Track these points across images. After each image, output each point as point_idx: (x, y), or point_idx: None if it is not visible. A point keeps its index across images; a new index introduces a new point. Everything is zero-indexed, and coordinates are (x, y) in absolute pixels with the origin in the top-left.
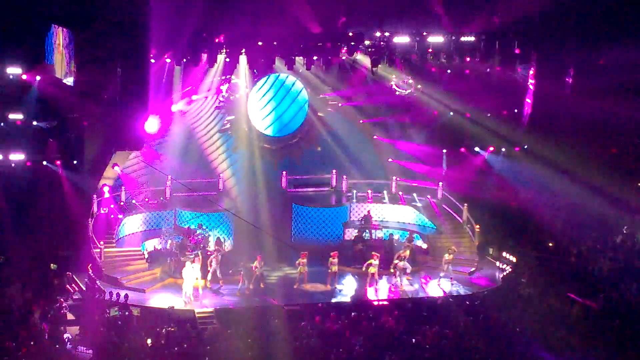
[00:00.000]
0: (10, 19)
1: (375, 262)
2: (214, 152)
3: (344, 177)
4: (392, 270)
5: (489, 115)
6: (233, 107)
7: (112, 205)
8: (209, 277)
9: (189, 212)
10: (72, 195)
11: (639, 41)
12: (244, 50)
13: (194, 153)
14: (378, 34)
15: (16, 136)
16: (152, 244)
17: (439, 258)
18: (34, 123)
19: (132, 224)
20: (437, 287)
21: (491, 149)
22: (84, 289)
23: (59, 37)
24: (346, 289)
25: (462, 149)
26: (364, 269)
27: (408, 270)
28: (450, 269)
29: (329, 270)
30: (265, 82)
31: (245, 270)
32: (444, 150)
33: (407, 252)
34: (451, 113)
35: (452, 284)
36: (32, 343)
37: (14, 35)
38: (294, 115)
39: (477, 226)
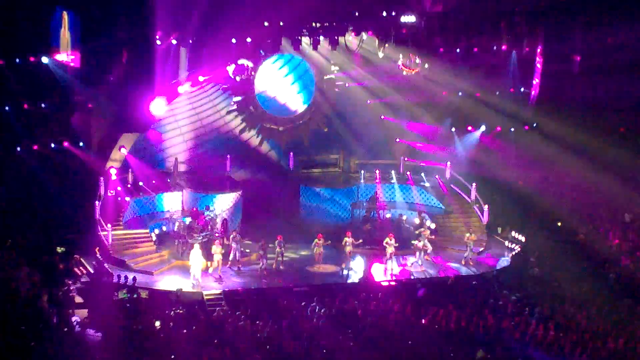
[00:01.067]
0: (16, 2)
1: (391, 241)
2: (227, 132)
3: (352, 157)
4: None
5: (497, 93)
6: (240, 88)
7: (119, 188)
8: (230, 257)
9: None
10: (79, 179)
11: None
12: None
13: (203, 134)
14: (385, 13)
15: (23, 120)
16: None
17: (447, 238)
18: (42, 106)
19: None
20: (449, 267)
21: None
22: (92, 271)
23: (64, 19)
24: (355, 269)
25: (470, 128)
26: (389, 250)
27: (429, 250)
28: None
29: (346, 251)
30: (277, 60)
31: (264, 250)
32: (453, 129)
33: (428, 232)
34: (460, 93)
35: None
36: (40, 326)
37: (20, 19)
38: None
39: (486, 206)
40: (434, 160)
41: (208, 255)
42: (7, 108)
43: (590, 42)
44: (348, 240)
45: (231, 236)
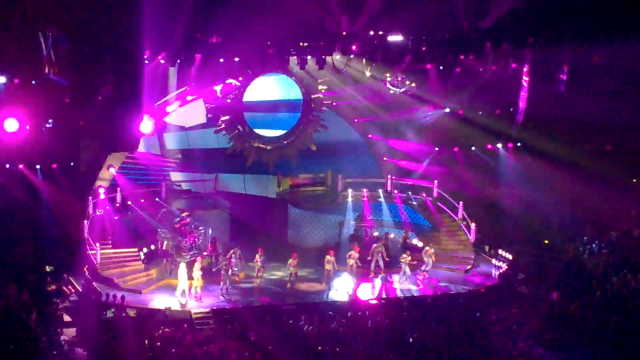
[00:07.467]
0: (2, 23)
1: (354, 253)
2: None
3: (339, 176)
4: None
5: (480, 113)
6: (228, 107)
7: (107, 207)
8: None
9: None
10: (68, 198)
11: (632, 39)
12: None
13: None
14: (372, 32)
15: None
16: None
17: (434, 256)
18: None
19: None
20: (431, 285)
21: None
22: (80, 290)
23: (51, 39)
24: (342, 287)
25: (456, 149)
26: (350, 262)
27: (380, 264)
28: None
29: (325, 269)
30: (264, 79)
31: (225, 269)
32: (436, 148)
33: (381, 248)
34: (447, 109)
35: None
36: (28, 345)
37: (7, 40)
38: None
39: (473, 224)
40: (421, 179)
41: (190, 275)
42: None
43: (576, 61)
44: (331, 259)
45: (231, 251)
